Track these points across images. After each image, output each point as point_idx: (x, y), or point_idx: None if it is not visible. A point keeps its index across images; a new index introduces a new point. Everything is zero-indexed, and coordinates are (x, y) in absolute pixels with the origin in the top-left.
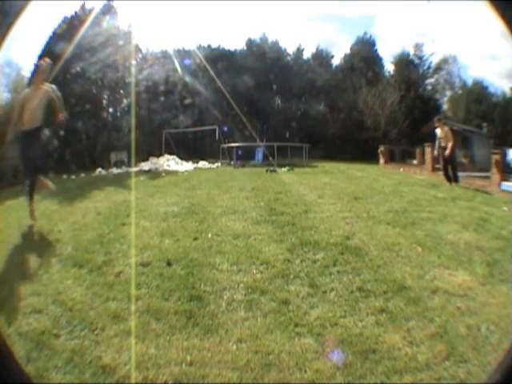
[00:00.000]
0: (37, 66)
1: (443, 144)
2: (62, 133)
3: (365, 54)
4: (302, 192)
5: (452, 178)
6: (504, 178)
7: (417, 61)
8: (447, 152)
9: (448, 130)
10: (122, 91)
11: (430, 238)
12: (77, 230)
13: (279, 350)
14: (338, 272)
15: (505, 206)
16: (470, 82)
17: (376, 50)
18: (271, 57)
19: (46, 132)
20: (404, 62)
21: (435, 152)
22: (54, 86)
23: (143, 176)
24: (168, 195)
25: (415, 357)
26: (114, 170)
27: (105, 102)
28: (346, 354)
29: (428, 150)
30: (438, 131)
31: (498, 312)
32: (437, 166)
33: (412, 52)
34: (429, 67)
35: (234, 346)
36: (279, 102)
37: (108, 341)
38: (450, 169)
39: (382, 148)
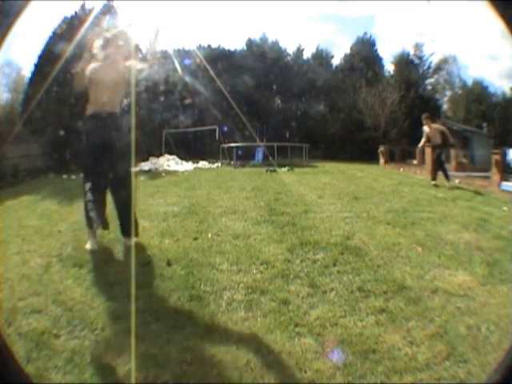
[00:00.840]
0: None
1: (434, 142)
2: (62, 133)
3: (365, 53)
4: (302, 192)
5: (433, 177)
6: (504, 178)
7: (417, 61)
8: (450, 140)
9: (436, 125)
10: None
11: (430, 238)
12: (77, 230)
13: (279, 349)
14: (338, 272)
15: (505, 206)
16: (470, 82)
17: (376, 50)
18: (271, 57)
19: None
20: (404, 62)
21: (420, 145)
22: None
23: (143, 176)
24: (168, 195)
25: (415, 357)
26: None
27: None
28: (345, 353)
29: (428, 150)
30: (426, 129)
31: (498, 312)
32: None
33: (412, 52)
34: (429, 67)
35: (234, 346)
36: (279, 101)
37: (108, 341)
38: (437, 167)
39: (382, 148)
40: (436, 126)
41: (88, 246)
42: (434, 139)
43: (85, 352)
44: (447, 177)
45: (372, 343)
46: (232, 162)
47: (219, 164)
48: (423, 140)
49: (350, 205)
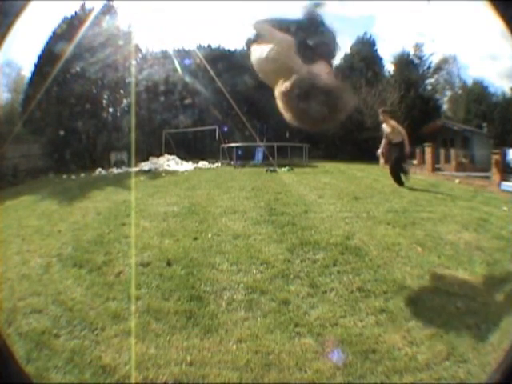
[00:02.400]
0: None
1: (394, 141)
2: (62, 133)
3: (365, 53)
4: (301, 192)
5: (400, 180)
6: (504, 178)
7: (417, 61)
8: (406, 150)
9: (395, 123)
10: (122, 91)
11: (430, 238)
12: (77, 230)
13: (279, 349)
14: (338, 272)
15: (505, 206)
16: (470, 82)
17: (376, 50)
18: None
19: None
20: (404, 62)
21: (379, 150)
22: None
23: (143, 176)
24: (168, 195)
25: (415, 357)
26: (114, 170)
27: (105, 102)
28: (345, 353)
29: (428, 150)
30: (384, 126)
31: (498, 312)
32: (437, 165)
33: (412, 52)
34: (429, 67)
35: (234, 346)
36: None
37: (108, 341)
38: (398, 168)
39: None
40: (394, 122)
41: None
42: (394, 137)
43: (85, 352)
44: (400, 181)
45: (372, 343)
46: (232, 162)
47: (219, 164)
48: (383, 142)
49: (349, 205)
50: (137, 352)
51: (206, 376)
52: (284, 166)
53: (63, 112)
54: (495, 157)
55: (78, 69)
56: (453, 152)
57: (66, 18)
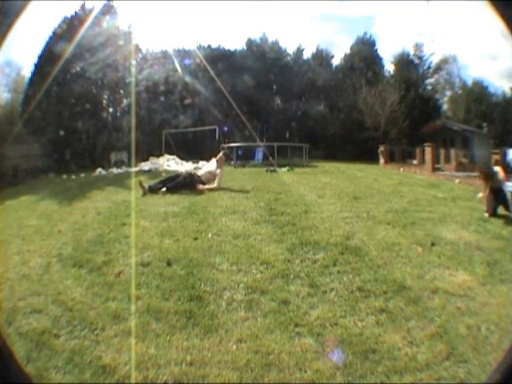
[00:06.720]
0: None
1: None
2: (62, 133)
3: (365, 53)
4: (302, 192)
5: None
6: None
7: (417, 61)
8: None
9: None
10: (122, 91)
11: (430, 238)
12: (77, 230)
13: (279, 349)
14: (338, 272)
15: None
16: (470, 82)
17: (376, 50)
18: (271, 57)
19: None
20: (404, 62)
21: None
22: None
23: (143, 176)
24: (168, 195)
25: (415, 357)
26: (114, 170)
27: (105, 102)
28: (345, 353)
29: (428, 149)
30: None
31: (498, 312)
32: (437, 165)
33: (412, 52)
34: (429, 67)
35: (234, 346)
36: (279, 101)
37: (108, 341)
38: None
39: (381, 148)
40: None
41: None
42: None
43: (85, 352)
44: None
45: (372, 343)
46: (232, 162)
47: None
48: None
49: (350, 205)
50: (137, 352)
51: (206, 376)
52: (284, 165)
53: (63, 112)
54: (495, 157)
55: (78, 69)
56: (453, 152)
57: (65, 18)
